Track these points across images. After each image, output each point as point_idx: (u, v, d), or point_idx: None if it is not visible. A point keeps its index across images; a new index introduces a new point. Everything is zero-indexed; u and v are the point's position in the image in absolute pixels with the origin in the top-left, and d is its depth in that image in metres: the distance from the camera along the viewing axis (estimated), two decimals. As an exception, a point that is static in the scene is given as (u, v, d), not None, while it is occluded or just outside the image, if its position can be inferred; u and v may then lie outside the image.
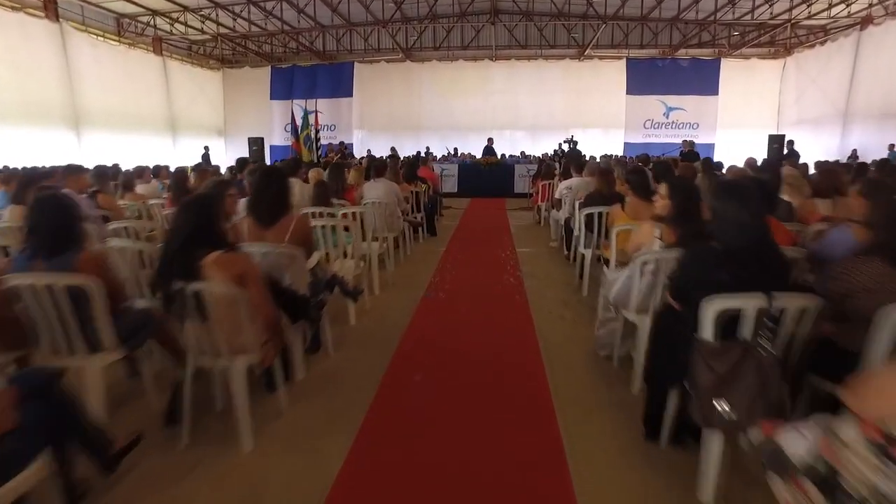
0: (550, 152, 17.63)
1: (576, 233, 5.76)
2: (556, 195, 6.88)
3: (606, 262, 4.29)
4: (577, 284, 5.39)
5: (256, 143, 13.87)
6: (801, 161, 11.17)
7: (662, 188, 2.97)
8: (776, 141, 13.25)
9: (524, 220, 9.96)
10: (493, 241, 7.97)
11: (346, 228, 4.65)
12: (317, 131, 13.75)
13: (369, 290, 5.11)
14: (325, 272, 3.79)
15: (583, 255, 5.21)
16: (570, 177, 7.35)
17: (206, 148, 15.32)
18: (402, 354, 3.77)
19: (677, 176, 3.13)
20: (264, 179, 3.23)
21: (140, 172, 7.63)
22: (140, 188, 6.86)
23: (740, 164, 7.63)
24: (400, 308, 4.74)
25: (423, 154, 15.10)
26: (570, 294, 5.22)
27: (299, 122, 13.63)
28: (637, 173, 4.10)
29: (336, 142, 19.01)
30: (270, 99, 19.84)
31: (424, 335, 4.13)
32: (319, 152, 13.63)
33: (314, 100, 19.71)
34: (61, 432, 1.92)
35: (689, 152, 11.66)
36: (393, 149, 16.22)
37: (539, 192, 9.02)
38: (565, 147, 13.52)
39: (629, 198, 4.04)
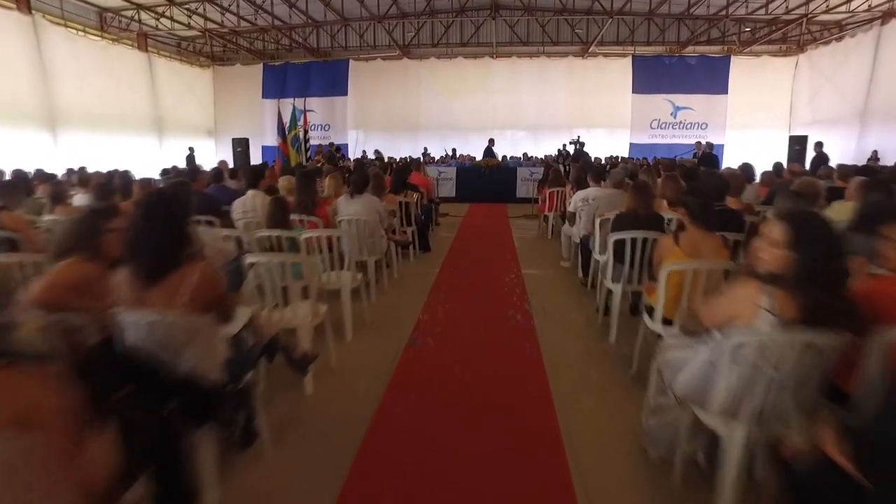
0: (553, 153, 16.62)
1: (598, 258, 4.58)
2: (570, 208, 5.69)
3: (649, 310, 3.12)
4: (601, 325, 4.22)
5: (241, 145, 12.69)
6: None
7: (776, 228, 1.80)
8: (797, 142, 12.05)
9: (529, 231, 8.78)
10: (495, 258, 6.80)
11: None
12: (306, 131, 12.57)
13: (339, 335, 3.93)
14: (259, 334, 2.62)
15: (609, 291, 4.04)
16: (585, 186, 6.18)
17: (191, 149, 14.13)
18: (372, 449, 2.61)
19: (807, 212, 1.92)
20: (145, 212, 2.04)
21: (85, 180, 6.43)
22: (80, 198, 5.69)
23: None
24: (375, 364, 3.57)
25: (419, 156, 13.93)
26: (594, 340, 4.05)
27: (287, 121, 12.44)
28: (698, 193, 2.92)
29: (330, 143, 17.86)
30: (262, 98, 18.62)
31: (405, 414, 2.96)
32: (308, 154, 12.46)
33: (306, 98, 18.62)
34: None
35: (707, 156, 10.39)
36: (378, 152, 14.85)
37: (546, 200, 7.84)
38: (571, 148, 12.35)
39: (687, 226, 2.85)
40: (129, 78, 15.55)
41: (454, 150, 16.15)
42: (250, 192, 4.83)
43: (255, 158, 14.67)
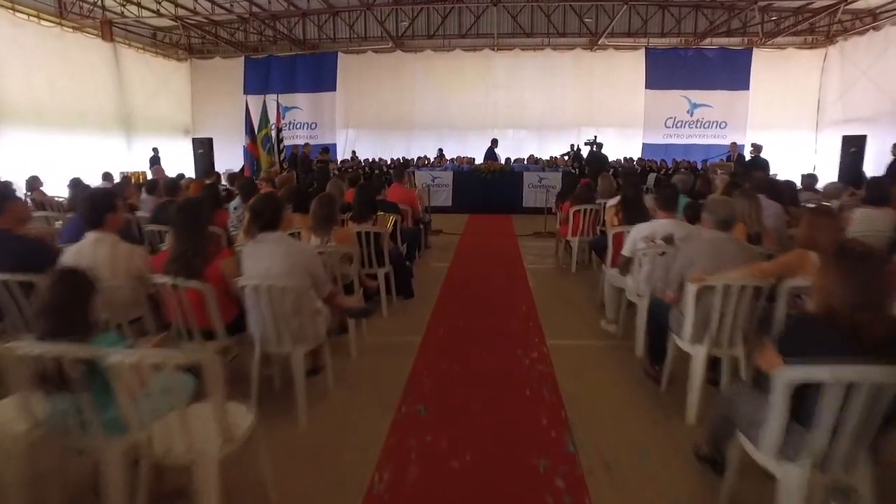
0: (559, 154, 14.49)
1: (693, 353, 2.42)
2: (626, 251, 3.51)
3: None
4: (710, 487, 2.08)
5: (203, 146, 10.50)
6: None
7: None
8: (853, 143, 9.80)
9: (544, 258, 6.58)
10: (505, 312, 4.61)
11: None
12: (279, 129, 10.38)
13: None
14: None
15: (726, 440, 1.90)
16: (636, 211, 4.02)
17: (155, 150, 11.92)
18: None
19: None
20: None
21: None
22: None
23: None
24: None
25: (413, 160, 11.72)
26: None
27: (256, 118, 10.27)
28: None
29: (305, 143, 15.65)
30: (244, 94, 16.36)
31: None
32: (283, 156, 10.27)
33: (286, 94, 16.41)
34: None
35: (757, 160, 8.13)
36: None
37: (570, 220, 5.65)
38: (585, 150, 10.19)
39: None
40: (90, 70, 13.32)
41: (440, 151, 13.95)
42: (90, 237, 2.67)
43: (228, 162, 12.43)
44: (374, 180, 5.79)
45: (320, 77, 16.33)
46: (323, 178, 7.40)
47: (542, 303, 4.77)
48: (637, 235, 3.38)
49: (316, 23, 16.64)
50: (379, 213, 4.58)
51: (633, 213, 3.93)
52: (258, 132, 10.25)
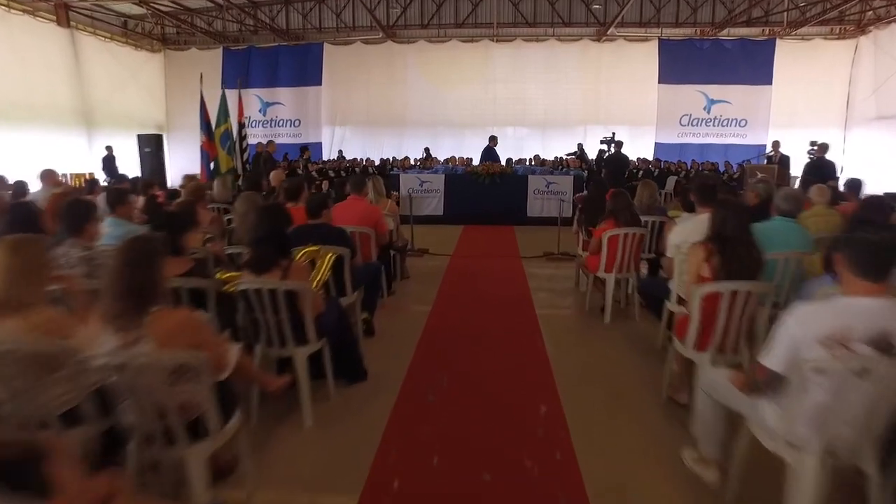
0: (563, 155, 12.61)
1: None
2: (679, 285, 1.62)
3: None
4: None
5: (150, 143, 8.59)
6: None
7: None
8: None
9: (562, 299, 4.64)
10: (512, 425, 2.67)
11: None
12: (242, 125, 8.46)
13: None
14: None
15: None
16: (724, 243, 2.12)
17: (109, 148, 10.00)
18: None
19: None
20: None
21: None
22: None
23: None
24: None
25: (385, 160, 9.80)
26: None
27: (213, 113, 8.37)
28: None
29: (303, 142, 13.74)
30: (222, 88, 14.38)
31: None
32: (246, 156, 8.35)
33: (268, 89, 14.54)
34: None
35: (823, 164, 6.19)
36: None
37: (603, 248, 3.72)
38: (604, 148, 8.29)
39: None
40: (42, 59, 11.40)
41: (427, 151, 12.07)
42: None
43: (186, 165, 10.41)
44: (278, 210, 3.87)
45: (305, 70, 14.39)
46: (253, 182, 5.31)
47: (570, 392, 2.87)
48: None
49: (300, 11, 14.69)
50: (308, 251, 2.68)
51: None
52: (216, 127, 8.35)
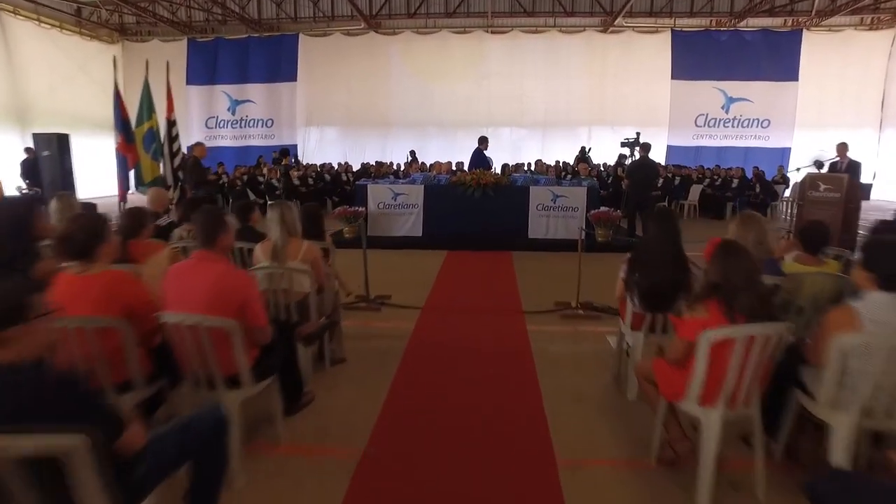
0: (564, 159, 10.75)
1: None
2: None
3: None
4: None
5: (50, 145, 6.56)
6: None
7: None
8: None
9: (600, 420, 2.44)
10: None
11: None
12: (171, 124, 6.43)
13: None
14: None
15: None
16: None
17: (29, 150, 7.97)
18: None
19: None
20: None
21: None
22: None
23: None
24: None
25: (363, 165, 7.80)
26: None
27: (132, 110, 6.35)
28: None
29: (277, 144, 11.71)
30: (187, 84, 12.40)
31: None
32: (176, 162, 6.32)
33: (237, 85, 12.55)
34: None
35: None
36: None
37: (699, 359, 1.75)
38: (625, 152, 6.31)
39: None
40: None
41: (412, 154, 10.11)
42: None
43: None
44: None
45: (278, 64, 12.44)
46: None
47: None
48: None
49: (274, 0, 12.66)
50: None
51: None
52: (137, 126, 6.35)
